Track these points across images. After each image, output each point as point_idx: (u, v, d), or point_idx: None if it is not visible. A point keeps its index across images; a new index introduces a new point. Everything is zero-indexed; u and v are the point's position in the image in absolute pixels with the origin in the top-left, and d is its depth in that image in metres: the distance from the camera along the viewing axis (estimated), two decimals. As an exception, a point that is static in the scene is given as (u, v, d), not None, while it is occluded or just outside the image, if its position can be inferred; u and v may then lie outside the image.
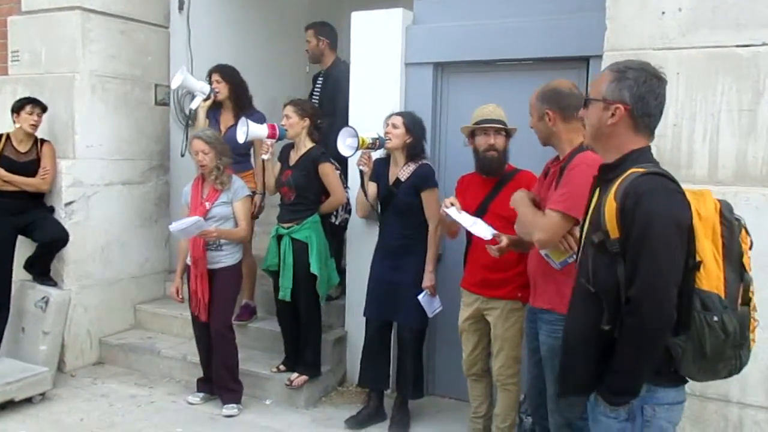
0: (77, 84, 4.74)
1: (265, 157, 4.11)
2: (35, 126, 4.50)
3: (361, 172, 3.87)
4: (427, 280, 3.81)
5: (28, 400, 4.17)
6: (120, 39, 4.99)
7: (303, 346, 4.25)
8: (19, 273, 4.72)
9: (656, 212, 1.78)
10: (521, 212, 2.68)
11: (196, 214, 3.94)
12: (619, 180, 1.86)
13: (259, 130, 4.01)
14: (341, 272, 4.54)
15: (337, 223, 4.26)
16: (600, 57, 3.40)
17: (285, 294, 4.12)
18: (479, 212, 3.29)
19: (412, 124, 3.81)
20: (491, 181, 3.41)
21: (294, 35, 6.35)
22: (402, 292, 3.85)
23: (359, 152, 3.79)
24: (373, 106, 4.23)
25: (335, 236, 4.33)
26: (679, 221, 1.80)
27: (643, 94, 1.93)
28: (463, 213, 3.09)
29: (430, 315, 3.84)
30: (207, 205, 3.96)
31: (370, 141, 3.72)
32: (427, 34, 4.25)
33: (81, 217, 4.79)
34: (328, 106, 4.79)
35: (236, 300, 4.27)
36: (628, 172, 1.87)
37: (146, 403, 4.28)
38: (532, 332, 2.82)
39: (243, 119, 4.05)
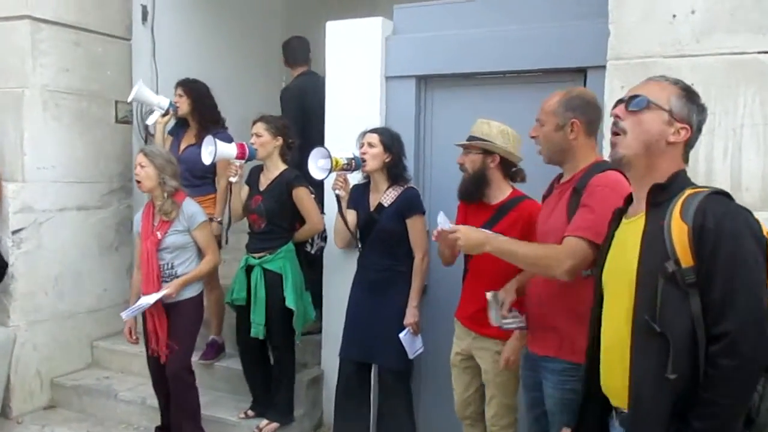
0: (26, 100, 4.30)
1: (233, 179, 3.70)
2: None
3: (338, 197, 3.48)
4: (410, 316, 3.42)
5: (-36, 454, 3.72)
6: (74, 51, 4.58)
7: (274, 390, 3.84)
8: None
9: (744, 233, 1.53)
10: (523, 252, 2.24)
11: (147, 244, 3.53)
12: (680, 200, 1.60)
13: (228, 150, 3.62)
14: (319, 306, 4.15)
15: (312, 252, 3.87)
16: (599, 68, 3.11)
17: (258, 331, 3.71)
18: None
19: (390, 141, 3.43)
20: (487, 209, 3.00)
21: (269, 49, 6.00)
22: (383, 330, 3.45)
23: (334, 174, 3.42)
24: (351, 123, 3.84)
25: (311, 266, 3.92)
26: (763, 243, 1.56)
27: (700, 122, 1.75)
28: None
29: (411, 356, 3.45)
30: (158, 234, 3.53)
31: (345, 162, 3.35)
32: (409, 45, 3.90)
33: (31, 245, 4.35)
34: None
35: (196, 337, 3.83)
36: (687, 192, 1.61)
37: (98, 456, 3.84)
38: (531, 381, 2.44)
39: (209, 138, 3.65)
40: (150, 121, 4.37)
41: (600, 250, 1.90)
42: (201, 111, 4.30)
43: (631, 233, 1.71)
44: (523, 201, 2.95)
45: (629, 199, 1.83)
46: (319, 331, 4.22)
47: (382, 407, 3.61)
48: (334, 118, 4.05)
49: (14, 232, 4.25)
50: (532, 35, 3.54)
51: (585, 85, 3.46)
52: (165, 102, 4.29)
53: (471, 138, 3.01)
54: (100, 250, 4.83)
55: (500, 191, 3.00)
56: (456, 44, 3.75)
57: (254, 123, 3.72)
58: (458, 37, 3.75)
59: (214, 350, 4.38)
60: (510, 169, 3.03)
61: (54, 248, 4.50)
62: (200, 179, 4.28)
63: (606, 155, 2.94)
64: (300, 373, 4.13)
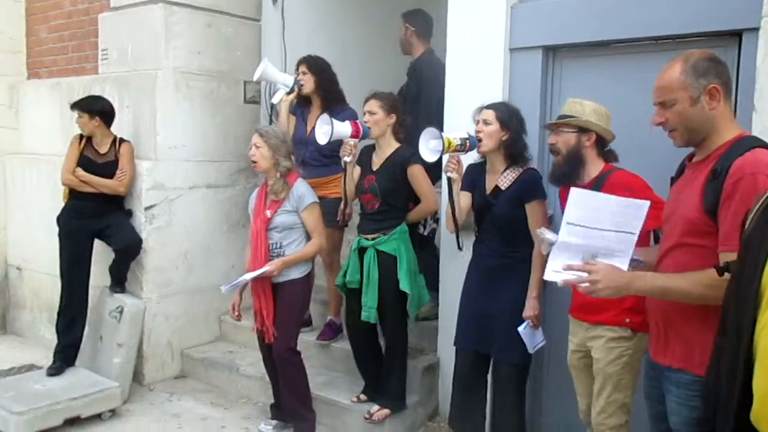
0: (159, 81, 4.48)
1: (347, 159, 3.61)
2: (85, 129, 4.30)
3: (449, 180, 3.26)
4: (530, 308, 3.15)
5: (98, 416, 3.93)
6: (206, 33, 4.70)
7: (386, 375, 3.73)
8: (103, 278, 4.55)
9: None
10: (679, 286, 1.89)
11: (257, 223, 3.53)
12: None
13: (343, 129, 3.53)
14: (435, 289, 4.00)
15: (425, 233, 3.70)
16: (757, 30, 2.67)
17: (369, 315, 3.61)
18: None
19: (507, 117, 3.15)
20: (583, 187, 2.75)
21: (397, 22, 5.86)
22: (499, 321, 3.22)
23: (446, 156, 3.21)
24: (472, 99, 3.56)
25: (423, 248, 3.76)
26: None
27: None
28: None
29: (531, 350, 3.18)
30: (268, 213, 3.52)
31: (459, 142, 3.11)
32: (536, 14, 3.59)
33: (162, 221, 4.54)
34: (409, 101, 4.24)
35: (302, 318, 3.82)
36: None
37: (216, 428, 3.92)
38: (655, 393, 2.11)
39: (324, 116, 3.58)
40: (275, 100, 4.38)
41: (749, 243, 1.45)
42: (326, 88, 4.21)
43: None
44: (614, 173, 2.76)
45: None
46: (437, 317, 4.07)
47: (494, 401, 3.39)
48: (453, 93, 3.82)
49: (147, 208, 4.44)
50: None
51: (740, 51, 3.02)
52: (290, 80, 4.27)
53: (563, 118, 2.82)
54: (228, 227, 4.96)
55: (594, 169, 2.82)
56: (590, 10, 3.40)
57: (367, 100, 3.60)
58: (592, 2, 3.39)
59: (332, 331, 4.35)
60: (603, 148, 2.84)
61: (184, 224, 4.67)
62: (329, 158, 4.21)
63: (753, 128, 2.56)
64: (416, 360, 4.00)
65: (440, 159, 3.32)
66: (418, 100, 4.22)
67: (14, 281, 5.62)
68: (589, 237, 1.98)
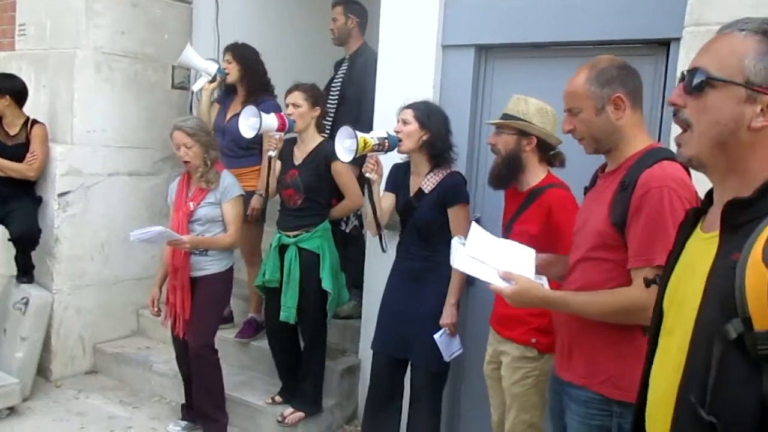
0: (79, 61, 4.23)
1: (272, 153, 3.46)
2: None
3: (368, 181, 3.08)
4: (447, 316, 3.05)
5: (-5, 414, 3.71)
6: (131, 13, 4.47)
7: (302, 377, 3.61)
8: (11, 267, 4.29)
9: None
10: (582, 303, 1.83)
11: (179, 215, 3.37)
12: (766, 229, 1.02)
13: (270, 122, 3.37)
14: (360, 288, 3.90)
15: (347, 231, 3.59)
16: (681, 41, 2.66)
17: (289, 315, 3.47)
18: (505, 232, 2.61)
19: (427, 117, 3.03)
20: (519, 196, 2.68)
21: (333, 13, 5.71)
22: (418, 326, 3.12)
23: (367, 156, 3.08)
24: (403, 96, 3.44)
25: (345, 246, 3.64)
26: None
27: None
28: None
29: (446, 358, 3.09)
30: (191, 205, 3.36)
31: (376, 142, 2.94)
32: (469, 12, 3.50)
33: (77, 209, 4.30)
34: (352, 97, 4.10)
35: (221, 314, 3.68)
36: None
37: (122, 429, 3.72)
38: (557, 408, 2.04)
39: (250, 108, 3.40)
40: (196, 87, 4.22)
41: (667, 261, 1.33)
42: (250, 78, 4.06)
43: (702, 256, 1.14)
44: (549, 189, 2.59)
45: (710, 197, 1.26)
46: (360, 315, 3.96)
47: (411, 407, 3.31)
48: (384, 91, 3.71)
49: (60, 195, 4.20)
50: (609, 2, 3.09)
51: (668, 59, 3.01)
52: (213, 68, 4.10)
53: (505, 117, 2.66)
54: (150, 217, 4.72)
55: (535, 176, 2.65)
56: (523, 11, 3.34)
57: (290, 92, 3.46)
58: (526, 3, 3.33)
59: (252, 328, 4.20)
60: (547, 152, 2.66)
61: (102, 213, 4.44)
62: (245, 150, 4.04)
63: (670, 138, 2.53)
64: (336, 361, 3.90)
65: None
66: (362, 93, 4.05)
67: None
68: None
